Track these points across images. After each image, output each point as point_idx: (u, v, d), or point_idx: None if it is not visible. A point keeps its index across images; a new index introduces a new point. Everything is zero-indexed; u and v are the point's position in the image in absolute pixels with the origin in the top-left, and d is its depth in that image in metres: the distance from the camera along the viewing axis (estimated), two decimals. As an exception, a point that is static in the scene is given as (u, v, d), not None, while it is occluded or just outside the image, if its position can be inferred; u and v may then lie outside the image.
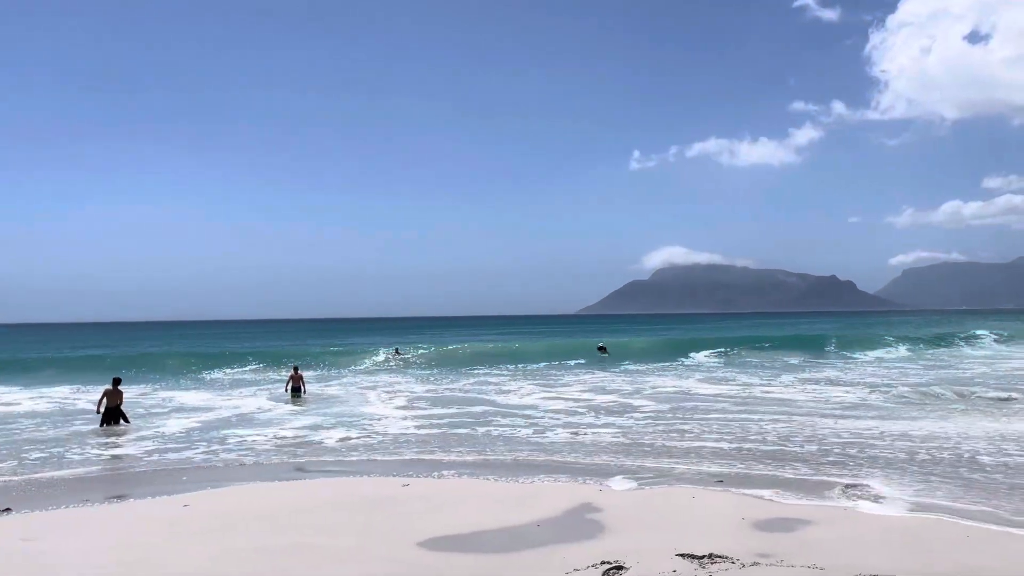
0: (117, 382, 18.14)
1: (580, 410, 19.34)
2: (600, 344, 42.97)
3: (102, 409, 17.54)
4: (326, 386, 27.46)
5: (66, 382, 29.18)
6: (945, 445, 12.66)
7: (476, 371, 33.08)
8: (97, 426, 17.35)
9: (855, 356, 38.72)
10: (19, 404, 22.92)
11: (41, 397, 24.66)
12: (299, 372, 24.54)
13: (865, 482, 9.93)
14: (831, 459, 11.67)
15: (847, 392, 22.21)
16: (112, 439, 15.87)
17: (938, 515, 8.17)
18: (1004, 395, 20.28)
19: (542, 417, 18.14)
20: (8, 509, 9.42)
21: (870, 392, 22.02)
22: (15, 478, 11.87)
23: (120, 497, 10.40)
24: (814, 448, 12.70)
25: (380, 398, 23.38)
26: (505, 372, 32.39)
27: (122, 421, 17.49)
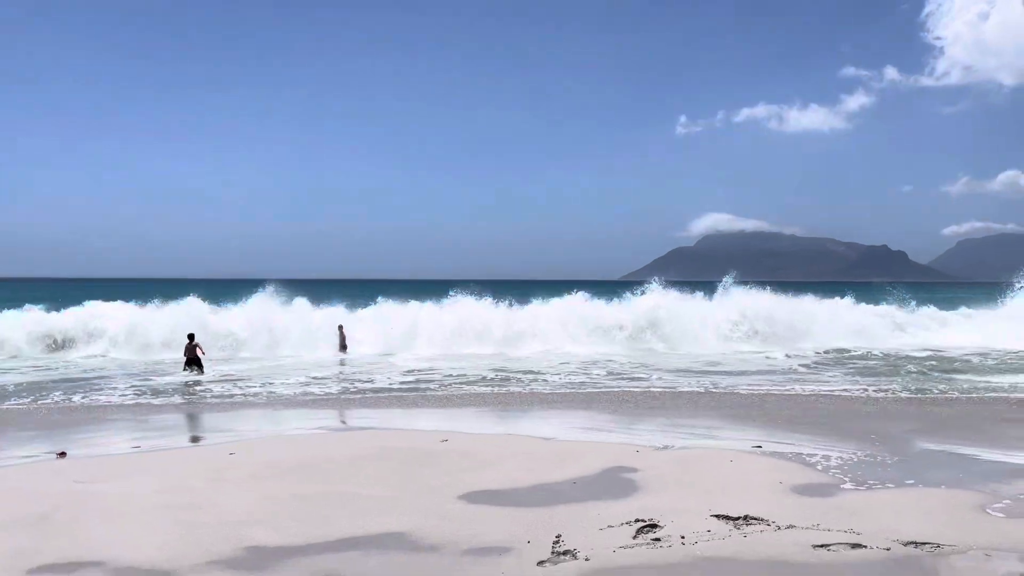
0: (191, 337, 20.60)
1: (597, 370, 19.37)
2: None
3: (184, 358, 20.31)
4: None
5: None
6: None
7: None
8: (180, 371, 19.84)
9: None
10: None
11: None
12: (343, 331, 26.06)
13: (889, 452, 9.80)
14: (864, 425, 11.53)
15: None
16: (171, 383, 16.44)
17: (965, 490, 8.01)
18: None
19: (559, 374, 18.28)
20: (64, 453, 9.81)
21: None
22: (71, 418, 12.36)
23: (171, 444, 10.81)
24: (845, 413, 12.57)
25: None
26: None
27: (195, 369, 19.88)
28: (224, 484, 8.11)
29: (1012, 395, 15.30)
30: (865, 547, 6.03)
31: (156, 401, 14.98)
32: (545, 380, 18.29)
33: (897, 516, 6.85)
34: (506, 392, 16.20)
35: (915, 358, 23.43)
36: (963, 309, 35.50)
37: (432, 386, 17.30)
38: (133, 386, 17.02)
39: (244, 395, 15.81)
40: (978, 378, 18.42)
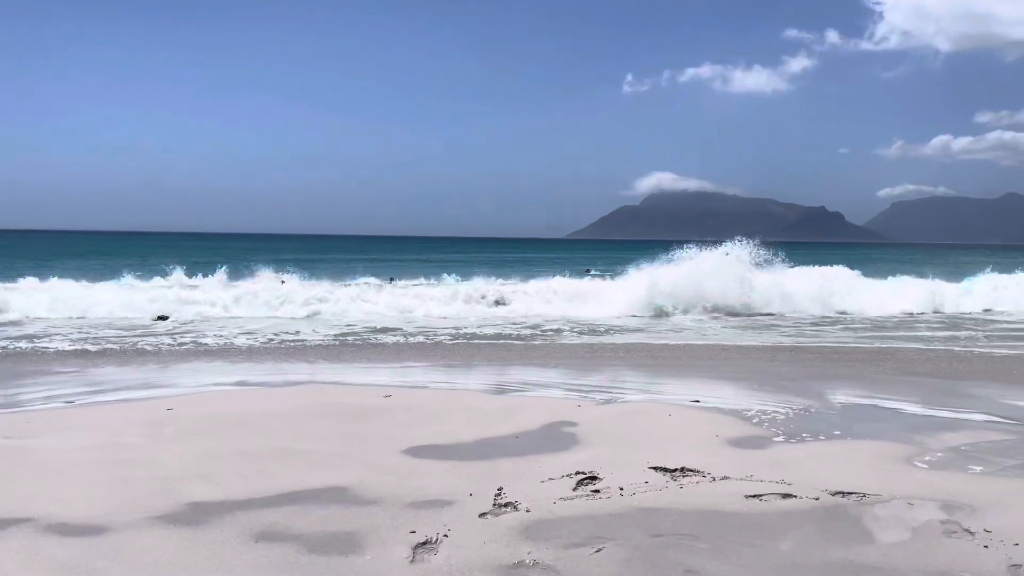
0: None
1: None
2: (587, 269, 43.30)
3: None
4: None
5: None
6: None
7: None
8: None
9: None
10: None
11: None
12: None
13: (821, 406, 10.14)
14: (795, 380, 11.88)
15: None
16: (106, 335, 16.00)
17: (892, 442, 8.34)
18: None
19: (501, 328, 18.37)
20: (-8, 408, 9.52)
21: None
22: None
23: (106, 398, 10.55)
24: (781, 368, 12.94)
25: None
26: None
27: None
28: (162, 439, 7.99)
29: (939, 349, 15.91)
30: (795, 497, 6.26)
31: (91, 353, 14.59)
32: (488, 334, 18.35)
33: (827, 467, 7.11)
34: (450, 345, 16.22)
35: (844, 320, 24.15)
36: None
37: (378, 339, 17.25)
38: (66, 339, 16.53)
39: (183, 347, 15.50)
40: (904, 333, 19.11)
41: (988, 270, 30.95)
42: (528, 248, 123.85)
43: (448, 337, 18.00)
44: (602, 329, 20.05)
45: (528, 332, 19.19)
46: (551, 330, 19.68)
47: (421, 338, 17.80)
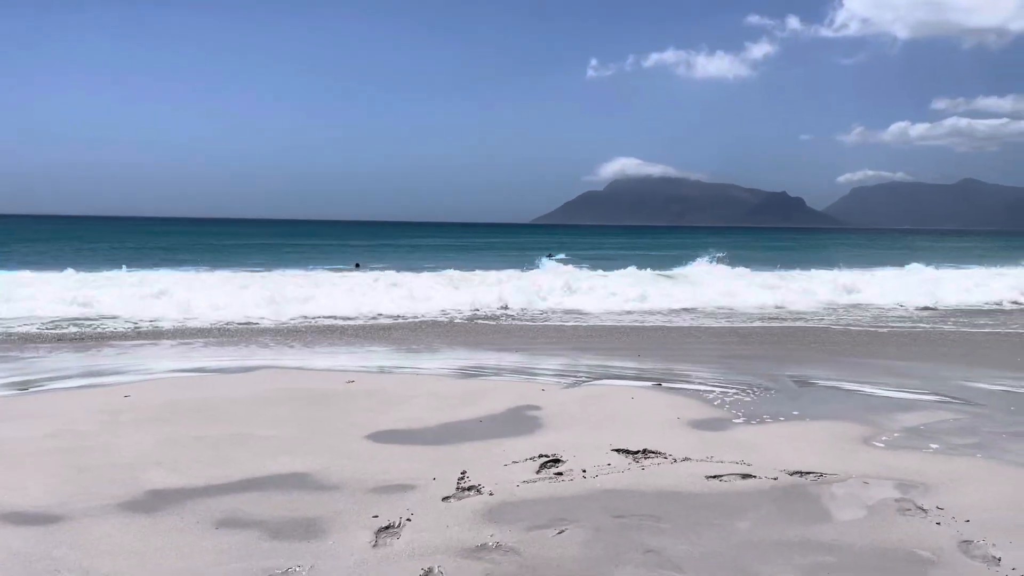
0: None
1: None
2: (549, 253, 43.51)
3: None
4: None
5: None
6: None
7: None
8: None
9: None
10: None
11: None
12: None
13: (780, 388, 10.28)
14: (760, 361, 12.05)
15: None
16: (62, 319, 15.66)
17: (849, 423, 8.49)
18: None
19: (464, 312, 18.38)
20: (-57, 396, 9.28)
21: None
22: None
23: (62, 385, 10.33)
24: (744, 352, 13.11)
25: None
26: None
27: None
28: (120, 427, 7.86)
29: (897, 329, 16.25)
30: (754, 477, 6.36)
31: (45, 339, 14.28)
32: (451, 318, 18.32)
33: (785, 448, 7.23)
34: (412, 327, 16.15)
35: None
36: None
37: (339, 323, 17.11)
38: (18, 325, 16.16)
39: (141, 333, 15.25)
40: (860, 316, 19.46)
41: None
42: (494, 233, 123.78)
43: (411, 321, 17.94)
44: (554, 315, 20.12)
45: (491, 316, 19.20)
46: (514, 315, 19.70)
47: (383, 324, 17.71)
